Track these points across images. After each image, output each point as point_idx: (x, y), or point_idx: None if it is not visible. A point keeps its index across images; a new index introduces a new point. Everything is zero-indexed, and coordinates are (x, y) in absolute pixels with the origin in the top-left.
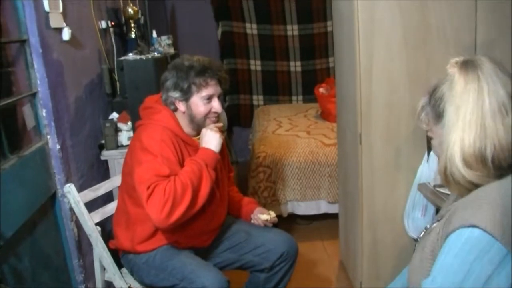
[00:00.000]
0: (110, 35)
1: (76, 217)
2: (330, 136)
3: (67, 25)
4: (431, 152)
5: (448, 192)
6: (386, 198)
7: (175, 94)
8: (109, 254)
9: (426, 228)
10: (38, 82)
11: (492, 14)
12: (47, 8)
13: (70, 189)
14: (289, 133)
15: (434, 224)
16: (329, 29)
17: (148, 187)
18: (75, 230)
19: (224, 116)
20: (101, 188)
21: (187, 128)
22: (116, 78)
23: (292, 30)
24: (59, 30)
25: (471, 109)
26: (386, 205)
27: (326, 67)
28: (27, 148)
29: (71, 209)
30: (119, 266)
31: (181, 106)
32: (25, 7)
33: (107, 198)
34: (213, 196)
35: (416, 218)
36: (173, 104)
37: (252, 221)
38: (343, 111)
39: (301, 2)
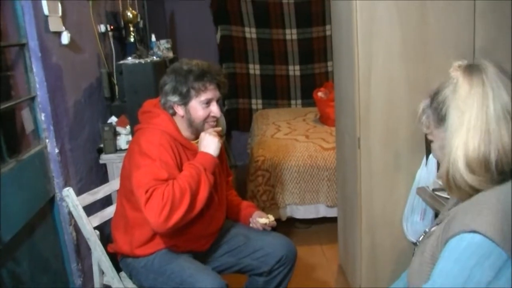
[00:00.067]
0: (109, 39)
1: (75, 221)
2: (328, 140)
3: (66, 29)
4: (430, 156)
5: (447, 196)
6: (384, 202)
7: (174, 98)
8: (107, 257)
9: (425, 232)
10: (37, 86)
11: (491, 18)
12: (46, 12)
13: (68, 192)
14: (288, 137)
15: (434, 228)
16: (327, 33)
17: (147, 191)
18: (74, 233)
19: (223, 120)
20: (100, 192)
21: (185, 132)
22: (115, 82)
23: (291, 34)
24: (58, 34)
25: (476, 114)
26: (384, 209)
27: (325, 71)
28: (26, 152)
29: (70, 213)
30: (118, 270)
31: (180, 110)
32: (25, 11)
33: (106, 201)
34: (211, 200)
35: (415, 222)
36: (172, 108)
37: (250, 225)
38: (342, 115)
39: (300, 6)
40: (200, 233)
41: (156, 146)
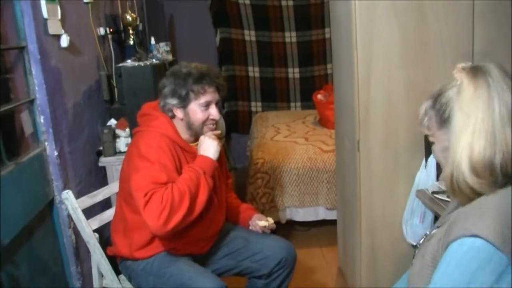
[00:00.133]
0: (109, 42)
1: (74, 224)
2: (328, 143)
3: (65, 32)
4: (429, 159)
5: (446, 199)
6: (384, 204)
7: (173, 101)
8: (107, 260)
9: (426, 235)
10: (36, 88)
11: (490, 18)
12: (45, 15)
13: (68, 195)
14: (287, 140)
15: (434, 231)
16: (327, 35)
17: (146, 194)
18: (73, 236)
19: (222, 123)
20: (99, 195)
21: (185, 134)
22: (114, 84)
23: (290, 37)
24: (58, 37)
25: (482, 116)
26: (384, 212)
27: (324, 73)
28: (25, 154)
29: (69, 216)
30: (117, 272)
31: (179, 113)
32: (24, 14)
33: (105, 204)
34: (211, 203)
35: (414, 225)
36: (171, 111)
37: (250, 228)
38: (341, 118)
39: (299, 9)
40: (199, 236)
41: (155, 149)
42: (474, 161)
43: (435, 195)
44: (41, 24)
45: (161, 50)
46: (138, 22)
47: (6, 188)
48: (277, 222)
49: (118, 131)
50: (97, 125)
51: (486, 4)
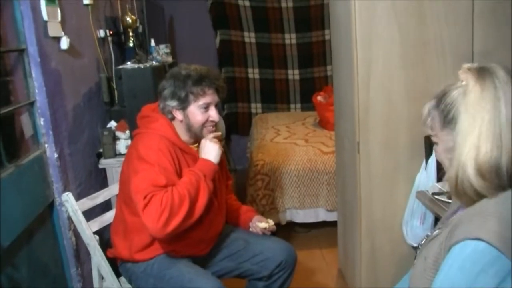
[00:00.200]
0: (109, 44)
1: (74, 226)
2: (328, 144)
3: (65, 34)
4: (429, 160)
5: (447, 200)
6: (384, 206)
7: (173, 103)
8: (107, 262)
9: (427, 235)
10: (36, 91)
11: (490, 18)
12: (45, 17)
13: (68, 197)
14: (287, 141)
15: (436, 232)
16: (327, 37)
17: (145, 197)
18: (73, 238)
19: (222, 124)
20: (99, 197)
21: (184, 136)
22: (114, 86)
23: (290, 38)
24: (58, 39)
25: (488, 118)
26: (384, 213)
27: (324, 75)
28: (25, 157)
29: (69, 218)
30: (117, 274)
31: (179, 115)
32: (24, 16)
33: (105, 206)
34: (211, 205)
35: (414, 226)
36: (171, 113)
37: (250, 229)
38: (341, 119)
39: (299, 11)
40: (199, 238)
41: (154, 151)
42: (480, 163)
43: (436, 197)
44: (41, 26)
45: (161, 52)
46: (138, 24)
47: (6, 191)
48: (277, 224)
49: (118, 133)
50: (97, 127)
51: (486, 4)
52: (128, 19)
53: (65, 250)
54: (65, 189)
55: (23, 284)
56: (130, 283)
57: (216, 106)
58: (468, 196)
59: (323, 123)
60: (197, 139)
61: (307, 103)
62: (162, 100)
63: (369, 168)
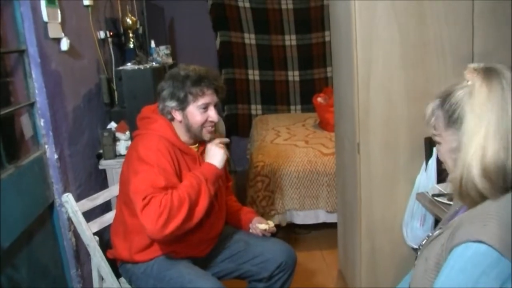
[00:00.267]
0: (109, 45)
1: (74, 227)
2: (328, 146)
3: (65, 35)
4: (429, 162)
5: (447, 202)
6: (384, 207)
7: (172, 104)
8: (107, 263)
9: (428, 236)
10: (36, 92)
11: (490, 18)
12: (45, 18)
13: (68, 198)
14: (287, 143)
15: (437, 232)
16: (327, 39)
17: (144, 198)
18: (73, 239)
19: (222, 125)
20: (99, 198)
21: (184, 137)
22: (115, 87)
23: (290, 40)
24: (58, 40)
25: (496, 119)
26: (384, 214)
27: (324, 76)
28: (25, 158)
29: (69, 219)
30: (117, 275)
31: (178, 116)
32: (24, 18)
33: (105, 207)
34: (211, 207)
35: (414, 228)
36: (170, 113)
37: (250, 231)
38: (341, 121)
39: (299, 12)
40: (199, 239)
41: (154, 152)
42: (486, 164)
43: (436, 198)
44: (41, 27)
45: (161, 53)
46: (138, 25)
47: (6, 191)
48: (277, 225)
49: (118, 134)
50: (97, 128)
51: (486, 4)
52: (128, 20)
53: (65, 251)
54: (65, 190)
55: (23, 285)
56: (130, 284)
57: (215, 106)
58: (471, 198)
59: (323, 125)
60: (196, 139)
61: (307, 105)
62: (161, 101)
63: (369, 169)
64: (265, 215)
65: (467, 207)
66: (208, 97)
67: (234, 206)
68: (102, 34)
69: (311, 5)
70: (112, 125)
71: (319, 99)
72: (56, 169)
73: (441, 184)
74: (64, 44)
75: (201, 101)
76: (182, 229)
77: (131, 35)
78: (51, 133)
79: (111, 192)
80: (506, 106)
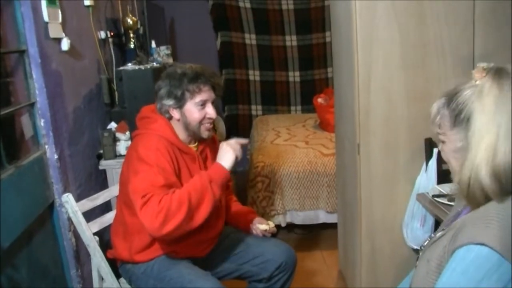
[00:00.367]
0: (109, 45)
1: (74, 227)
2: (328, 146)
3: (66, 35)
4: (430, 162)
5: (447, 203)
6: (384, 208)
7: (169, 102)
8: (107, 264)
9: (430, 237)
10: (37, 92)
11: (490, 18)
12: (46, 18)
13: (68, 198)
14: (288, 143)
15: (439, 234)
16: (327, 39)
17: (143, 196)
18: (73, 240)
19: (222, 126)
20: (99, 198)
21: (183, 136)
22: (115, 88)
23: (291, 40)
24: (58, 40)
25: (506, 120)
26: (384, 215)
27: (325, 77)
28: (25, 158)
29: (69, 219)
30: (117, 276)
31: (176, 114)
32: (25, 18)
33: (105, 207)
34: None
35: (415, 228)
36: (168, 112)
37: (251, 231)
38: (342, 121)
39: (300, 13)
40: (199, 239)
41: (153, 152)
42: (496, 164)
43: (436, 199)
44: (41, 27)
45: (161, 54)
46: (138, 26)
47: (6, 192)
48: (277, 226)
49: (118, 134)
50: (98, 128)
51: (487, 4)
52: (129, 21)
53: (65, 251)
54: (65, 190)
55: (23, 285)
56: (130, 284)
57: (213, 103)
58: (476, 198)
59: (323, 125)
60: (195, 138)
61: (307, 105)
62: (158, 100)
63: (370, 169)
64: (265, 216)
65: (470, 208)
66: (205, 94)
67: (235, 206)
68: (102, 34)
69: (312, 6)
70: (112, 125)
71: (320, 100)
72: (56, 169)
73: (441, 185)
74: (65, 44)
75: (198, 98)
76: (183, 229)
77: (131, 35)
78: (51, 133)
79: (111, 192)
80: None
